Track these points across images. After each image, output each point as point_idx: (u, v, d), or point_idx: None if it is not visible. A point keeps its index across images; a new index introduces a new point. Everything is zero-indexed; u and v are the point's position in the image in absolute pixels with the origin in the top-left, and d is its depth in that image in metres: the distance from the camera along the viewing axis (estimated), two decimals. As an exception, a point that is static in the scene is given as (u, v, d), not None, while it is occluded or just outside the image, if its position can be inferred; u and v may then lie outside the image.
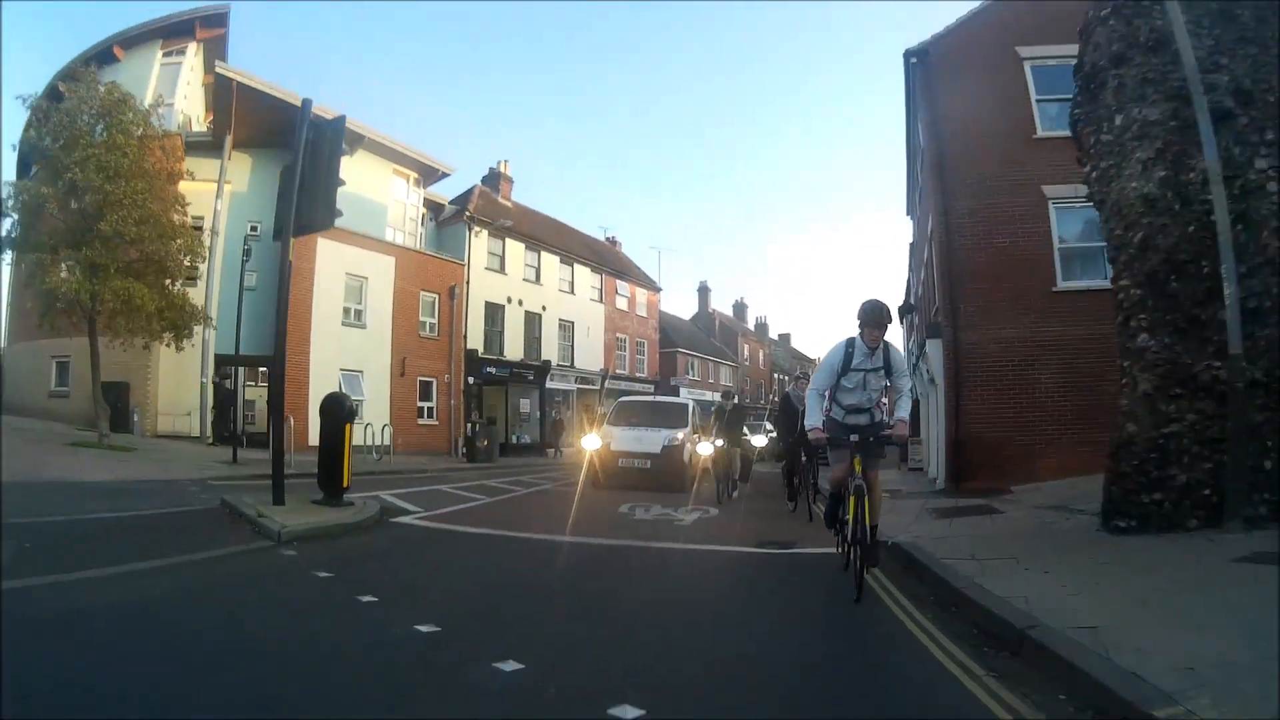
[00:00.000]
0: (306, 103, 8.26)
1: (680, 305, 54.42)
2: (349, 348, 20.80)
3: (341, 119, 8.71)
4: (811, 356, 66.41)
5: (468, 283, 25.20)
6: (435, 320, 24.15)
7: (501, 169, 31.59)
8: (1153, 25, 6.71)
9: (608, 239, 40.33)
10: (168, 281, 14.86)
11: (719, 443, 11.81)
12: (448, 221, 26.40)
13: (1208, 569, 4.72)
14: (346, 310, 21.18)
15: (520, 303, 28.06)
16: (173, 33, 21.96)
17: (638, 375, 36.14)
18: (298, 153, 7.85)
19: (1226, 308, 5.74)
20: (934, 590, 5.00)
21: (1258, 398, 5.95)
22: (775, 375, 59.40)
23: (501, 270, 27.25)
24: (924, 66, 14.06)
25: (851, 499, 5.18)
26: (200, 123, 22.94)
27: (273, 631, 3.82)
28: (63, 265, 13.62)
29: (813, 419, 5.48)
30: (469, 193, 28.44)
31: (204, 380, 19.31)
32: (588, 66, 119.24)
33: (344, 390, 20.09)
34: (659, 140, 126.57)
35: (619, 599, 4.96)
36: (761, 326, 62.54)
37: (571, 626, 4.12)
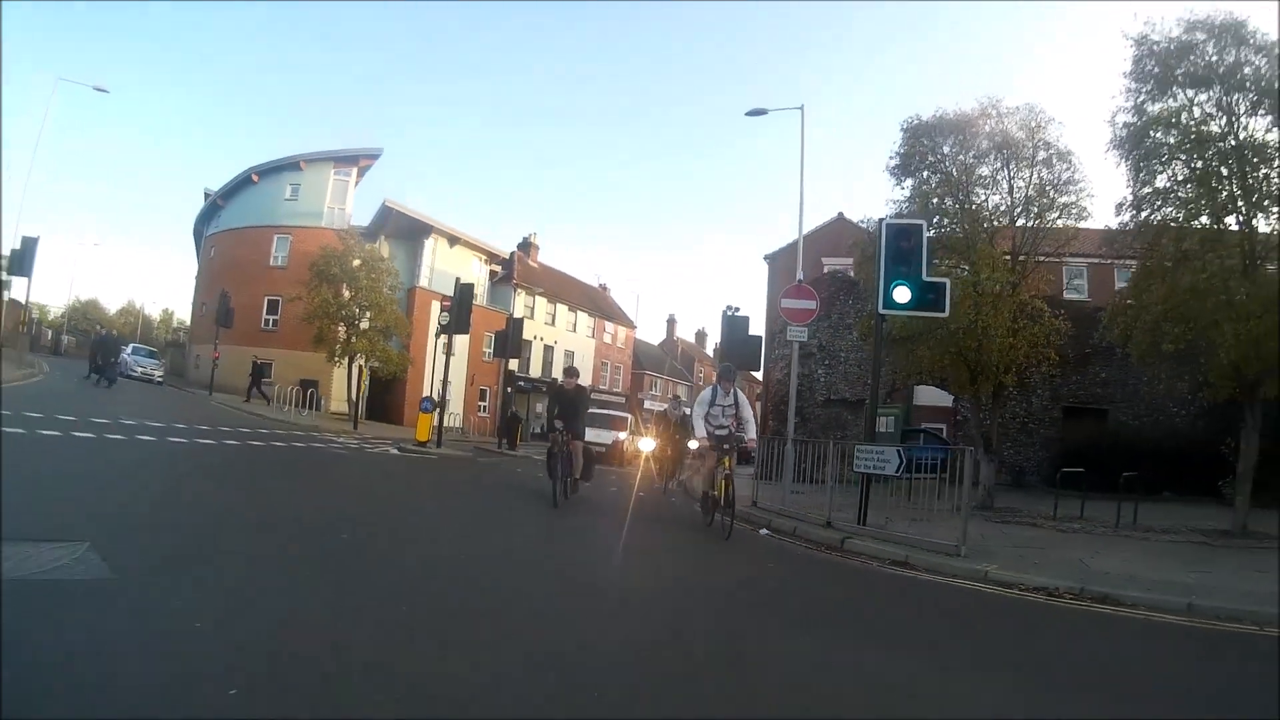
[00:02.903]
0: (466, 286, 21.64)
1: (655, 332, 68.27)
2: (430, 366, 34.40)
3: (470, 286, 20.88)
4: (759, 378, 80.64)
5: (510, 310, 38.92)
6: (490, 350, 37.82)
7: (531, 239, 45.44)
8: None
9: (600, 285, 54.33)
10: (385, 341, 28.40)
11: (558, 426, 10.47)
12: (499, 283, 40.15)
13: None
14: (439, 339, 34.77)
15: (541, 339, 42.01)
16: (343, 160, 35.13)
17: (614, 390, 50.08)
18: (455, 305, 20.71)
19: (789, 417, 19.86)
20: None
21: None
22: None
23: (531, 317, 41.12)
24: (774, 261, 28.14)
25: (722, 482, 8.82)
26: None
27: (524, 474, 17.62)
28: (341, 331, 27.05)
29: (699, 431, 9.21)
30: (511, 259, 42.11)
31: (350, 381, 32.88)
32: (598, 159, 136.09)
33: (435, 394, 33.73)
34: (645, 191, 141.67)
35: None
36: (718, 351, 76.67)
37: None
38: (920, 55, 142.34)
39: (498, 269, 40.69)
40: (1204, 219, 12.20)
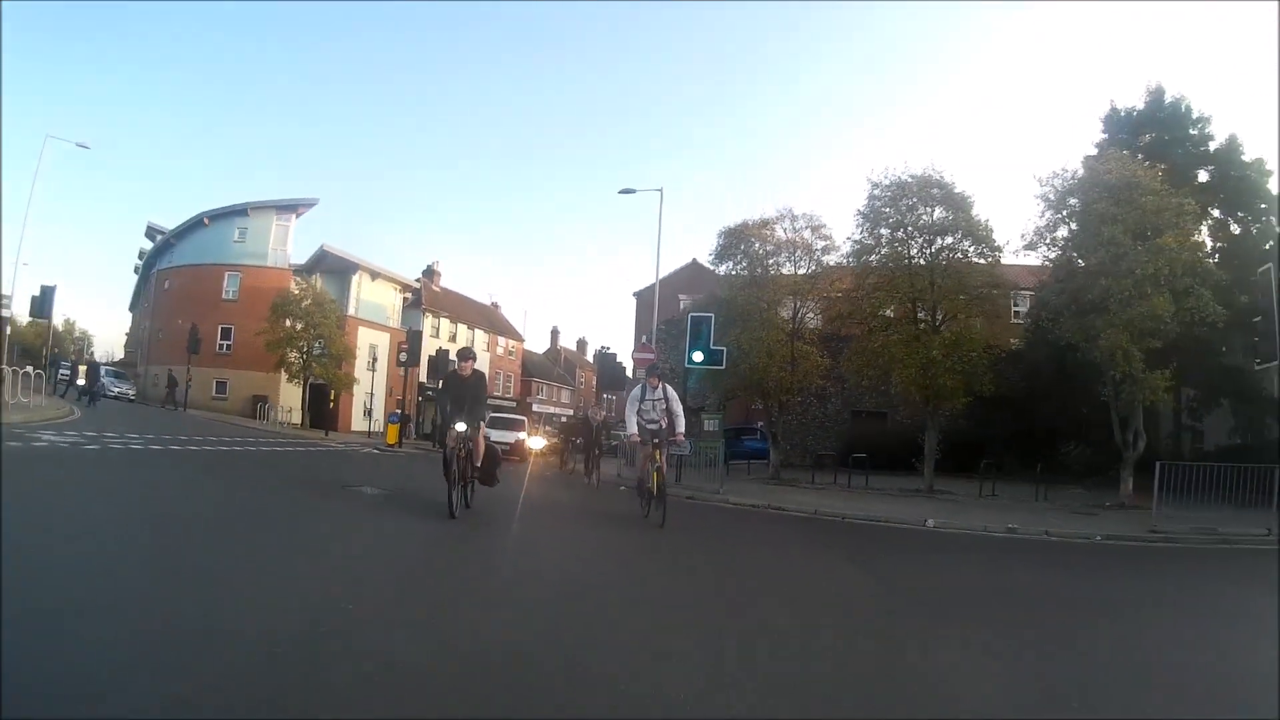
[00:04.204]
0: (415, 333, 28.82)
1: (541, 342, 75.40)
2: (371, 382, 40.69)
3: (419, 333, 28.62)
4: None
5: (422, 344, 45.35)
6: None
7: (435, 266, 51.90)
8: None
9: (492, 303, 61.15)
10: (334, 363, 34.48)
11: (459, 427, 8.83)
12: (410, 308, 46.51)
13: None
14: (370, 361, 41.00)
15: (446, 353, 48.54)
16: (284, 208, 40.57)
17: (507, 396, 57.05)
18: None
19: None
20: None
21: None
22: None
23: (436, 335, 47.63)
24: (640, 297, 36.12)
25: (654, 474, 9.73)
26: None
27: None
28: (295, 355, 33.06)
29: (630, 427, 10.14)
30: (420, 288, 48.44)
31: (304, 396, 38.72)
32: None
33: (367, 405, 40.04)
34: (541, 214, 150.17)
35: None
36: (596, 358, 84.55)
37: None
38: (757, 156, 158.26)
39: (409, 296, 47.04)
40: (891, 309, 20.91)
